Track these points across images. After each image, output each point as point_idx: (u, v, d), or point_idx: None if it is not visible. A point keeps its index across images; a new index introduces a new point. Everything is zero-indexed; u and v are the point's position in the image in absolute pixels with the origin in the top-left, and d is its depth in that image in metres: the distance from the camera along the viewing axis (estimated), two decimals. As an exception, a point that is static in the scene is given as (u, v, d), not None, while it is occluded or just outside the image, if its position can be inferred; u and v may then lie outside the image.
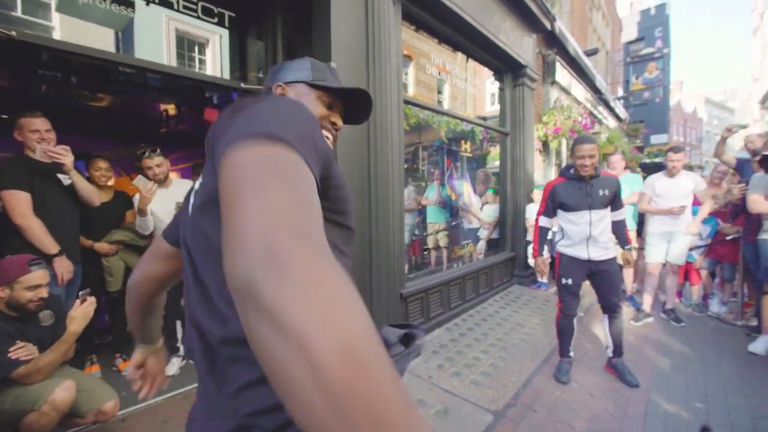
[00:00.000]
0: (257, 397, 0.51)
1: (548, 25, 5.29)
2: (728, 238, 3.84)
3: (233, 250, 0.36)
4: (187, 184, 2.86)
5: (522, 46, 4.89)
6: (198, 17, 2.67)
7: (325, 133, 0.82)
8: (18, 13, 2.01)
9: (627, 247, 2.74)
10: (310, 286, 0.32)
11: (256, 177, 0.41)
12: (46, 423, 1.70)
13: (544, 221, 2.77)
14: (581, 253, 2.63)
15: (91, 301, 1.87)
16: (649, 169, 9.22)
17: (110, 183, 2.87)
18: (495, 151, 5.51)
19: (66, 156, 2.23)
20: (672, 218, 3.66)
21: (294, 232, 0.36)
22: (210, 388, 0.57)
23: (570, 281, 2.65)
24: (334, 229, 0.63)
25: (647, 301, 3.87)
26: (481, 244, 5.11)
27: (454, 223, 4.96)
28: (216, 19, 2.81)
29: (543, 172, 6.14)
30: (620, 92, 15.97)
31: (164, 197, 2.66)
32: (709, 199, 3.79)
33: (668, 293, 3.95)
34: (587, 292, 3.70)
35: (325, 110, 0.83)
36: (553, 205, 2.70)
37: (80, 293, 1.89)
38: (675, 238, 3.72)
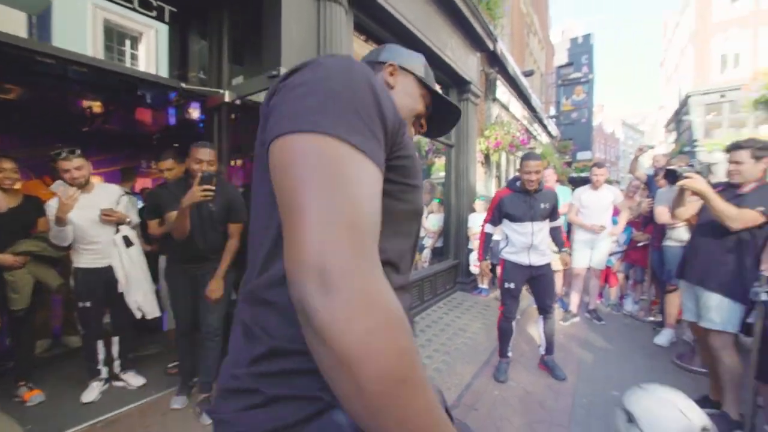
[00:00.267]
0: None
1: (491, 46, 5.64)
2: (639, 244, 4.33)
3: (291, 268, 0.39)
4: (112, 189, 2.59)
5: (467, 63, 5.16)
6: (134, 9, 2.49)
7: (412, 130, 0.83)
8: None
9: (564, 249, 3.01)
10: (358, 315, 0.35)
11: (310, 182, 0.40)
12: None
13: (489, 228, 3.00)
14: (523, 259, 2.84)
15: None
16: (576, 183, 10.11)
17: (17, 186, 2.48)
18: (440, 162, 5.72)
19: None
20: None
21: (347, 253, 0.37)
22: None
23: (512, 285, 2.86)
24: (399, 204, 0.56)
25: (574, 302, 4.23)
26: (426, 253, 5.26)
27: (400, 231, 5.04)
28: (155, 13, 2.64)
29: (484, 184, 6.48)
30: (552, 111, 17.44)
31: (85, 203, 2.34)
32: (626, 210, 4.26)
33: (591, 295, 4.35)
34: (523, 296, 3.95)
35: (423, 110, 0.82)
36: (499, 214, 2.92)
37: None
38: (597, 245, 4.13)
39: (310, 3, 2.67)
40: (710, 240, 2.32)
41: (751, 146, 2.24)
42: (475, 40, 5.28)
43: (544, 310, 2.90)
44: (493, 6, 5.76)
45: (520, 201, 2.81)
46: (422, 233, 5.32)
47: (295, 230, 0.39)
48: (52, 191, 2.27)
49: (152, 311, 2.56)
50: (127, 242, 2.50)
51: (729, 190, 2.32)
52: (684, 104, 17.85)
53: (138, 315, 2.51)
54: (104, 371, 2.55)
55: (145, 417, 2.28)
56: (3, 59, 3.16)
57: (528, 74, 9.08)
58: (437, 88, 0.86)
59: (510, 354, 2.94)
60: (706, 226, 2.35)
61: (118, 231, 2.49)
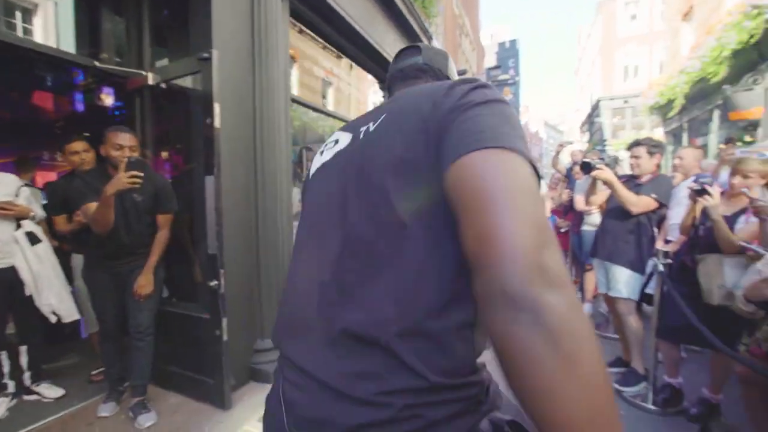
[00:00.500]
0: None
1: (426, 43, 5.81)
2: (562, 230, 4.76)
3: (514, 262, 0.38)
4: (9, 180, 2.25)
5: (403, 58, 5.26)
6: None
7: None
8: None
9: None
10: (578, 307, 0.37)
11: (518, 184, 0.43)
12: None
13: None
14: None
15: None
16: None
17: None
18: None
19: None
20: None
21: (552, 250, 0.40)
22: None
23: None
24: None
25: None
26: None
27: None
28: (53, -18, 2.33)
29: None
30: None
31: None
32: (548, 200, 4.68)
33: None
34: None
35: None
36: None
37: None
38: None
39: (243, -17, 2.55)
40: (616, 222, 2.68)
41: (647, 144, 2.66)
42: (411, 37, 5.41)
43: None
44: (428, 5, 5.94)
45: None
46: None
47: (513, 226, 0.40)
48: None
49: (69, 314, 2.27)
50: (33, 239, 2.20)
51: (631, 180, 2.71)
52: (595, 108, 19.96)
53: (53, 319, 2.22)
54: (11, 385, 2.25)
55: (68, 429, 2.05)
56: None
57: (461, 73, 9.48)
58: None
59: None
60: (613, 211, 2.71)
61: (19, 227, 2.18)
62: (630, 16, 18.51)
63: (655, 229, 2.82)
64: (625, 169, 4.77)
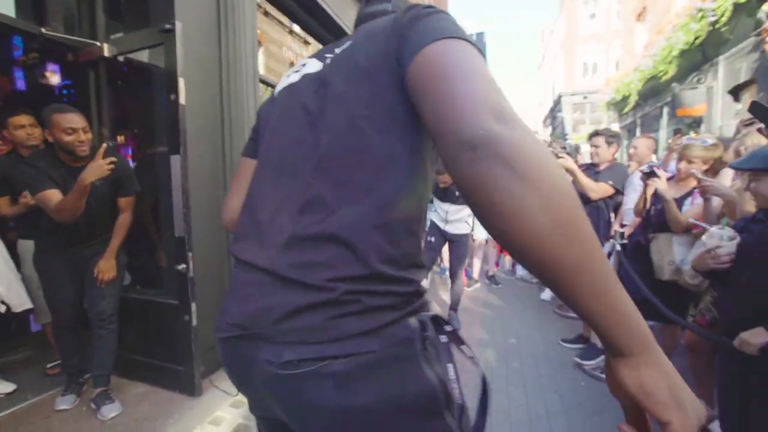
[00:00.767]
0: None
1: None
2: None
3: (468, 112, 0.42)
4: None
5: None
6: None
7: None
8: None
9: (452, 232, 3.38)
10: (532, 140, 0.41)
11: (473, 62, 0.49)
12: None
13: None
14: (440, 224, 3.25)
15: None
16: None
17: None
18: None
19: None
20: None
21: (507, 102, 0.45)
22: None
23: (432, 239, 3.31)
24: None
25: (476, 270, 4.69)
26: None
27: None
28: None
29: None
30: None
31: None
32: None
33: (489, 263, 4.89)
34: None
35: None
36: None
37: None
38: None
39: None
40: (577, 207, 2.84)
41: (605, 134, 2.89)
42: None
43: (453, 274, 3.29)
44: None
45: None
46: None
47: (466, 85, 0.45)
48: None
49: (20, 302, 2.11)
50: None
51: (590, 168, 2.93)
52: (557, 103, 20.76)
53: (1, 309, 2.05)
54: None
55: (22, 424, 1.92)
56: None
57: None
58: None
59: None
60: None
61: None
62: (589, 15, 19.26)
63: (612, 214, 3.02)
64: (586, 159, 5.04)
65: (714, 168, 2.19)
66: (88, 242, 2.04)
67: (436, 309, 3.75)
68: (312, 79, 0.66)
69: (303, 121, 0.63)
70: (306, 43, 4.47)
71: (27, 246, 2.23)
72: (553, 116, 22.52)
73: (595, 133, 2.94)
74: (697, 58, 7.84)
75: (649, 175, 2.23)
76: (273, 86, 3.58)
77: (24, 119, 2.19)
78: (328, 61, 0.67)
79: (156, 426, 1.92)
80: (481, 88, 0.45)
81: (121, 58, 2.43)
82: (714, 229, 1.49)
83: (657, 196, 2.24)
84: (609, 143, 2.85)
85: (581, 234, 0.39)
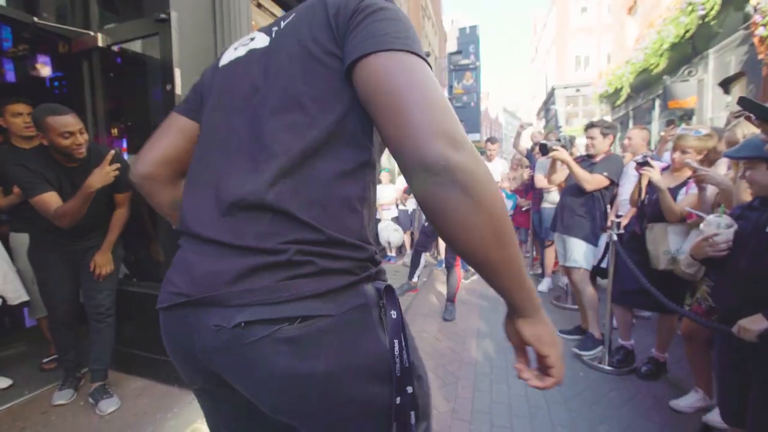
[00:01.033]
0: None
1: None
2: (523, 209, 5.00)
3: (428, 142, 0.48)
4: None
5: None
6: None
7: None
8: None
9: None
10: (480, 161, 0.49)
11: (423, 83, 0.52)
12: None
13: None
14: None
15: None
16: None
17: None
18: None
19: None
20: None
21: (454, 123, 0.50)
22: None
23: (426, 224, 3.35)
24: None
25: (473, 262, 4.73)
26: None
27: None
28: None
29: (388, 157, 6.67)
30: (446, 94, 18.69)
31: None
32: (508, 180, 4.90)
33: (486, 255, 4.92)
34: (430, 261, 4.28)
35: None
36: None
37: None
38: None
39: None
40: (573, 198, 2.89)
41: (600, 125, 2.87)
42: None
43: (448, 266, 3.33)
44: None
45: None
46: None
47: (422, 112, 0.49)
48: None
49: (17, 295, 2.07)
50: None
51: (586, 160, 2.92)
52: (551, 95, 20.82)
53: None
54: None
55: (19, 419, 1.90)
56: None
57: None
58: None
59: (416, 280, 3.83)
60: (570, 188, 2.93)
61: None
62: (581, 9, 19.29)
63: (609, 206, 3.05)
64: (581, 151, 5.08)
65: (709, 158, 2.22)
66: (85, 237, 2.00)
67: (433, 301, 3.78)
68: (260, 54, 0.66)
69: (250, 99, 0.63)
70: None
71: (20, 239, 2.19)
72: (547, 109, 22.60)
73: (591, 125, 2.95)
74: (688, 51, 7.92)
75: (643, 165, 2.25)
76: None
77: (21, 107, 2.13)
78: (274, 35, 0.67)
79: (155, 420, 1.91)
80: (437, 115, 0.50)
81: (115, 49, 2.38)
82: (711, 217, 1.51)
83: (651, 186, 2.27)
84: (605, 135, 2.86)
85: (509, 237, 0.51)
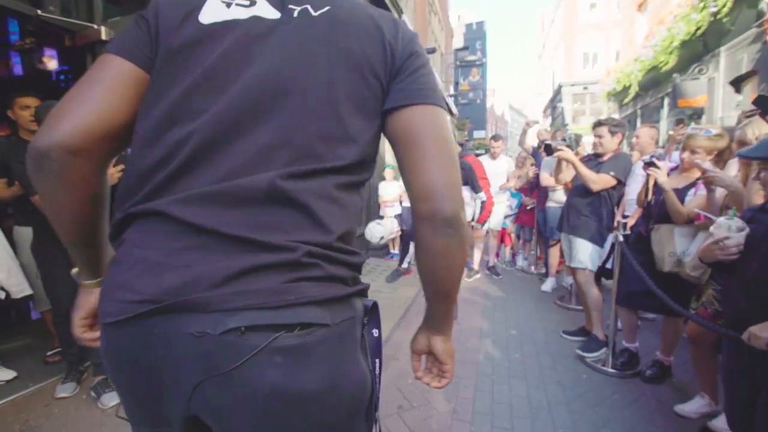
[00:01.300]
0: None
1: (396, 16, 5.69)
2: (528, 208, 4.95)
3: (448, 199, 0.58)
4: None
5: (375, 31, 5.14)
6: None
7: None
8: None
9: (476, 224, 3.31)
10: (465, 218, 0.62)
11: (448, 139, 0.61)
12: None
13: None
14: None
15: None
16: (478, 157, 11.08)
17: None
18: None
19: None
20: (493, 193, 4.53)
21: (460, 181, 0.62)
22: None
23: None
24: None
25: (476, 260, 4.69)
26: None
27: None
28: None
29: (392, 153, 6.67)
30: (452, 90, 18.60)
31: None
32: (513, 178, 4.86)
33: (490, 253, 4.88)
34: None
35: None
36: None
37: None
38: (494, 209, 4.61)
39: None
40: (579, 199, 2.84)
41: (608, 123, 2.80)
42: (381, 8, 5.27)
43: None
44: (400, -23, 5.80)
45: None
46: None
47: (448, 171, 0.59)
48: None
49: (20, 289, 2.08)
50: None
51: (593, 159, 2.86)
52: (557, 93, 20.63)
53: (1, 295, 2.03)
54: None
55: (23, 411, 1.92)
56: None
57: (430, 51, 9.46)
58: None
59: (405, 265, 4.22)
60: (577, 188, 2.88)
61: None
62: (590, 5, 19.05)
63: (616, 207, 3.00)
64: (588, 150, 5.03)
65: (723, 158, 2.17)
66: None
67: (436, 299, 3.78)
68: (274, 30, 0.57)
69: (267, 86, 0.55)
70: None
71: (24, 233, 2.20)
72: (553, 106, 22.40)
73: (599, 123, 2.88)
74: (698, 48, 7.79)
75: (649, 165, 2.22)
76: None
77: (30, 101, 2.13)
78: (295, 14, 0.59)
79: (158, 415, 1.92)
80: (456, 176, 0.60)
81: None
82: (722, 219, 1.47)
83: (658, 186, 2.23)
84: (613, 133, 2.79)
85: (463, 271, 0.67)
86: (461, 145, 3.27)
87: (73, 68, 2.60)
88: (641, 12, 12.37)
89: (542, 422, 1.93)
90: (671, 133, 4.18)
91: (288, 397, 0.48)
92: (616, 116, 12.97)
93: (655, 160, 2.22)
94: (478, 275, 4.68)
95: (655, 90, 10.28)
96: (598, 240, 2.73)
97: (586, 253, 2.73)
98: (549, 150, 2.83)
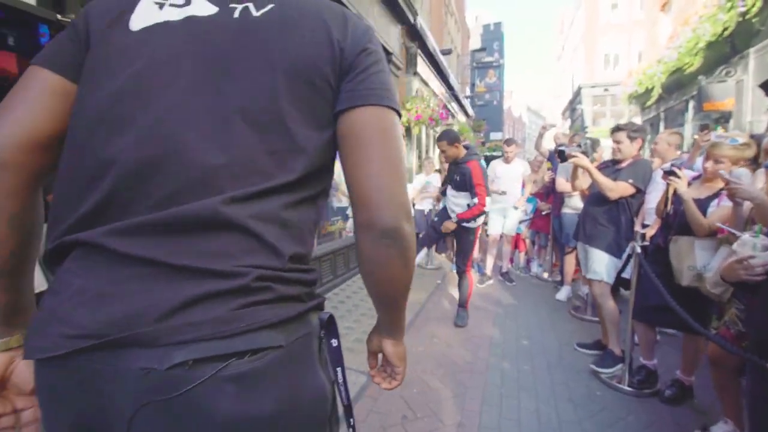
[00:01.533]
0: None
1: (411, 19, 5.67)
2: (543, 213, 4.84)
3: (391, 209, 0.56)
4: None
5: (389, 34, 5.12)
6: None
7: None
8: None
9: (454, 217, 3.16)
10: (412, 229, 0.59)
11: (397, 145, 0.59)
12: None
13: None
14: (449, 213, 3.31)
15: None
16: (489, 161, 10.94)
17: None
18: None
19: None
20: (505, 197, 4.44)
21: (406, 191, 0.60)
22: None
23: (436, 219, 3.46)
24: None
25: (489, 265, 4.61)
26: (351, 222, 5.25)
27: (323, 201, 5.00)
28: None
29: (405, 156, 6.64)
30: (468, 92, 18.43)
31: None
32: (530, 183, 4.74)
33: (503, 259, 4.79)
34: (445, 263, 4.22)
35: None
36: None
37: None
38: (508, 214, 4.53)
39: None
40: (595, 207, 2.73)
41: (627, 128, 2.68)
42: (396, 12, 5.25)
43: (459, 271, 3.30)
44: (415, -21, 5.77)
45: (450, 167, 3.42)
46: (346, 203, 5.29)
47: (392, 178, 0.57)
48: None
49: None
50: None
51: (611, 166, 2.74)
52: (577, 95, 20.18)
53: None
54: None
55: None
56: None
57: (446, 53, 9.40)
58: None
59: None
60: (594, 196, 2.77)
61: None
62: (611, 5, 18.59)
63: (635, 216, 2.88)
64: (607, 155, 4.88)
65: (758, 163, 2.06)
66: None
67: (445, 305, 3.71)
68: (208, 31, 0.54)
69: (201, 95, 0.52)
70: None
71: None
72: (573, 108, 21.94)
73: (617, 128, 2.76)
74: (726, 50, 7.48)
75: (669, 174, 2.12)
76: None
77: None
78: (236, 14, 0.55)
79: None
80: (402, 187, 0.58)
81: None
82: (747, 236, 1.40)
83: (678, 196, 2.13)
84: (632, 138, 2.67)
85: (410, 284, 0.63)
86: (466, 147, 3.18)
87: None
88: (665, 12, 12.00)
89: (552, 441, 1.87)
90: (696, 137, 4.02)
91: (243, 424, 0.46)
92: (639, 119, 12.64)
93: (675, 168, 2.13)
94: (491, 281, 4.60)
95: (679, 92, 9.93)
96: (616, 251, 2.61)
97: (602, 265, 2.63)
98: (563, 156, 2.74)
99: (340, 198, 5.17)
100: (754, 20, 6.36)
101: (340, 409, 0.63)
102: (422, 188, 5.44)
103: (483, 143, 16.32)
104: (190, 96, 0.51)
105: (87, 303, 0.46)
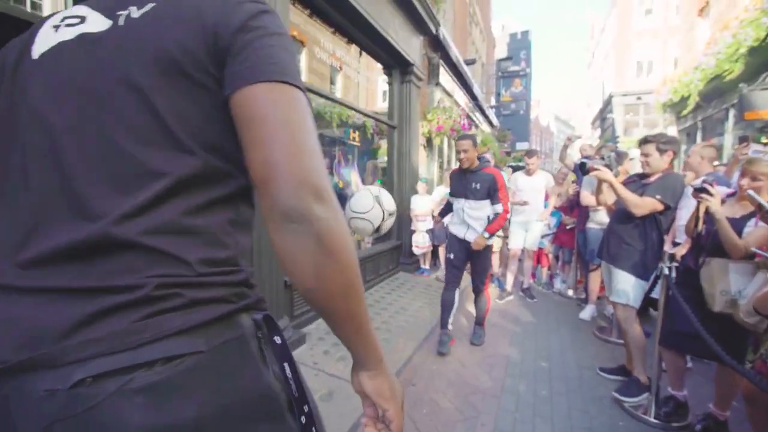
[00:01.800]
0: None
1: (433, 29, 5.66)
2: (567, 227, 4.67)
3: (292, 187, 0.48)
4: None
5: (410, 44, 5.13)
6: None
7: None
8: None
9: (484, 233, 2.89)
10: (340, 217, 0.51)
11: (300, 121, 0.52)
12: None
13: (450, 198, 3.28)
14: (459, 232, 3.01)
15: None
16: (517, 171, 10.72)
17: None
18: (385, 145, 5.70)
19: None
20: (527, 209, 4.31)
21: (326, 175, 0.52)
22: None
23: (452, 255, 3.06)
24: None
25: (509, 282, 4.47)
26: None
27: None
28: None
29: (426, 167, 6.59)
30: (492, 101, 18.20)
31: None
32: (554, 195, 4.59)
33: (525, 275, 4.63)
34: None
35: None
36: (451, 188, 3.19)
37: None
38: (530, 227, 4.39)
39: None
40: (620, 225, 2.57)
41: (656, 140, 2.49)
42: (417, 22, 5.26)
43: (475, 289, 3.13)
44: (437, -9, 5.78)
45: (459, 178, 3.05)
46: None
47: (291, 157, 0.49)
48: None
49: None
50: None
51: (638, 180, 2.57)
52: (608, 103, 19.54)
53: None
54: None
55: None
56: None
57: (470, 63, 9.32)
58: None
59: (450, 327, 3.05)
60: (619, 212, 2.60)
61: None
62: (645, 10, 17.99)
63: (665, 234, 2.70)
64: (636, 169, 4.68)
65: None
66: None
67: (462, 321, 3.62)
68: (96, 46, 0.54)
69: (86, 113, 0.52)
70: (349, 43, 4.47)
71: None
72: (603, 118, 21.25)
73: (645, 140, 2.57)
74: (769, 56, 7.06)
75: (700, 191, 1.97)
76: (313, 92, 3.58)
77: None
78: (121, 22, 0.55)
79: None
80: (305, 163, 0.50)
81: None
82: (785, 264, 1.27)
83: (710, 215, 1.98)
84: (662, 151, 2.47)
85: (356, 293, 0.53)
86: (479, 158, 3.06)
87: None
88: (702, 17, 11.47)
89: (567, 474, 1.76)
90: (735, 149, 3.77)
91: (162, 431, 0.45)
92: (674, 128, 12.06)
93: (707, 185, 1.97)
94: (511, 297, 4.46)
95: (718, 101, 9.42)
96: (642, 272, 2.43)
97: (627, 287, 2.46)
98: (584, 169, 2.59)
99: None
100: (801, 24, 5.97)
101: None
102: (441, 200, 5.37)
103: (508, 153, 16.00)
104: (76, 122, 0.51)
105: None
